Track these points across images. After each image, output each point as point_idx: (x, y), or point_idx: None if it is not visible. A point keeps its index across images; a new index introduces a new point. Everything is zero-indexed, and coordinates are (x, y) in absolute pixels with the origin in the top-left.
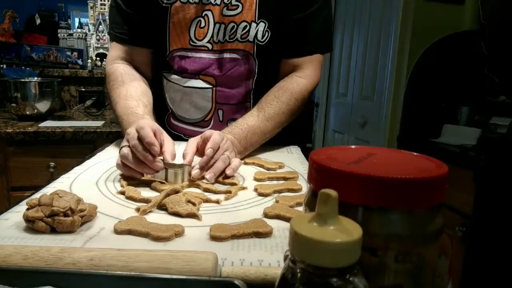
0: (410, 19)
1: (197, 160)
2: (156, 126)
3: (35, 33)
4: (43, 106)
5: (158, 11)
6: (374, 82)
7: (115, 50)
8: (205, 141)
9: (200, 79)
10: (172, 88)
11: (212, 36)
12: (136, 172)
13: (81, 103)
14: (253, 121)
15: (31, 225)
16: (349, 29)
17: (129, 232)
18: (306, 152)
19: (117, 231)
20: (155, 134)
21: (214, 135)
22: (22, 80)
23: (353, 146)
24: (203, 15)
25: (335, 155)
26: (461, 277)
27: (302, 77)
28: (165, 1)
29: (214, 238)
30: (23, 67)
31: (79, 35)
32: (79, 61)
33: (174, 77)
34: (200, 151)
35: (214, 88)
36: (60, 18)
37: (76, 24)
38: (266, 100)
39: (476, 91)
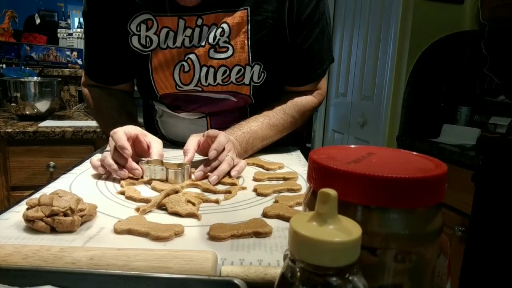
0: (409, 19)
1: (196, 158)
2: (138, 130)
3: (35, 33)
4: (42, 105)
5: (138, 59)
6: (374, 82)
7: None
8: (207, 140)
9: (192, 112)
10: (165, 114)
11: (200, 80)
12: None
13: (80, 103)
14: (256, 126)
15: (31, 225)
16: (348, 29)
17: (129, 231)
18: (305, 152)
19: (117, 231)
20: (137, 137)
21: (220, 137)
22: (22, 79)
23: (352, 146)
24: (185, 59)
25: (334, 155)
26: (460, 276)
27: (313, 96)
28: (144, 50)
29: (213, 238)
30: (22, 67)
31: (78, 34)
32: (79, 61)
33: (165, 107)
34: (201, 149)
35: (208, 117)
36: (60, 17)
37: (76, 24)
38: (272, 109)
39: (476, 91)
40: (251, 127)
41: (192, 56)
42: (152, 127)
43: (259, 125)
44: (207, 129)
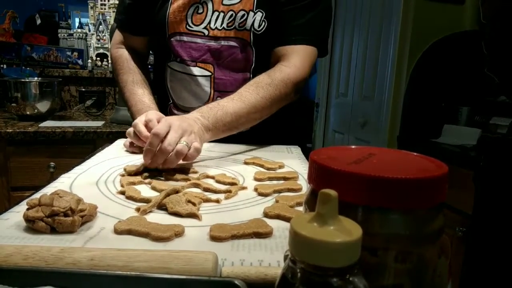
0: (410, 19)
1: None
2: (161, 116)
3: (36, 33)
4: (43, 106)
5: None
6: (374, 82)
7: (118, 35)
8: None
9: (198, 66)
10: (173, 77)
11: (209, 22)
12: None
13: (81, 103)
14: (226, 101)
15: (31, 225)
16: (349, 29)
17: (129, 232)
18: (306, 152)
19: (117, 231)
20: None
21: (160, 124)
22: (22, 80)
23: (353, 146)
24: (201, 2)
25: (335, 155)
26: (461, 277)
27: (286, 66)
28: None
29: (214, 238)
30: (23, 67)
31: (79, 35)
32: (79, 61)
33: (175, 64)
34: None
35: (213, 76)
36: (61, 18)
37: (77, 24)
38: (245, 86)
39: (476, 91)
40: (219, 102)
41: (208, 2)
42: (164, 95)
43: (228, 100)
44: (211, 90)
